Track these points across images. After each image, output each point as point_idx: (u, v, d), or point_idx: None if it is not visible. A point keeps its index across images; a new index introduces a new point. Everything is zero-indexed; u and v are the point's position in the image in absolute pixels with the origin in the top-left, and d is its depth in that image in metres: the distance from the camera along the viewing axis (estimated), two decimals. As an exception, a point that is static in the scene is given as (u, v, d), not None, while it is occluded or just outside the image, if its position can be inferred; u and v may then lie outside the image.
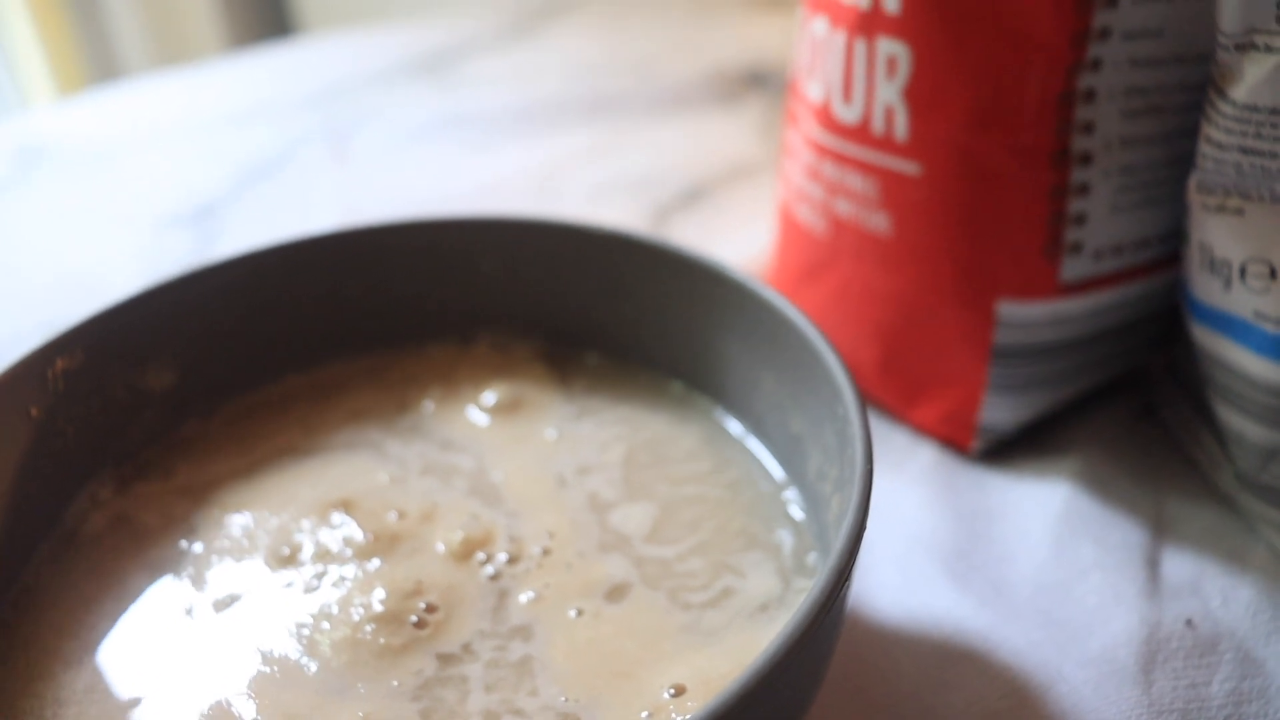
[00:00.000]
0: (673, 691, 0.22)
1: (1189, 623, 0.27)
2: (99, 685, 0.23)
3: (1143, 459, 0.32)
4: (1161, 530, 0.30)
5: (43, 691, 0.23)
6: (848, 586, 0.20)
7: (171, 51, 1.05)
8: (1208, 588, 0.28)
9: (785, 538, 0.25)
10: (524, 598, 0.24)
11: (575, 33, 0.63)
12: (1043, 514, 0.30)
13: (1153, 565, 0.29)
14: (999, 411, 0.32)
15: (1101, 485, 0.31)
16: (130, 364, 0.28)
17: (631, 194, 0.47)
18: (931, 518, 0.30)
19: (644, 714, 0.21)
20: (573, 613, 0.24)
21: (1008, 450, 0.32)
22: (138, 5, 1.04)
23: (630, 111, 0.54)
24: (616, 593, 0.24)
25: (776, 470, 0.27)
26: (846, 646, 0.27)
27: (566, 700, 0.22)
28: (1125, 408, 0.34)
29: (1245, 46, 0.26)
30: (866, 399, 0.34)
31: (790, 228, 0.35)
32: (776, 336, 0.26)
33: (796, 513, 0.26)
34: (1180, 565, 0.29)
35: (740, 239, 0.43)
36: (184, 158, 0.53)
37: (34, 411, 0.26)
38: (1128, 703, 0.25)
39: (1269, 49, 0.25)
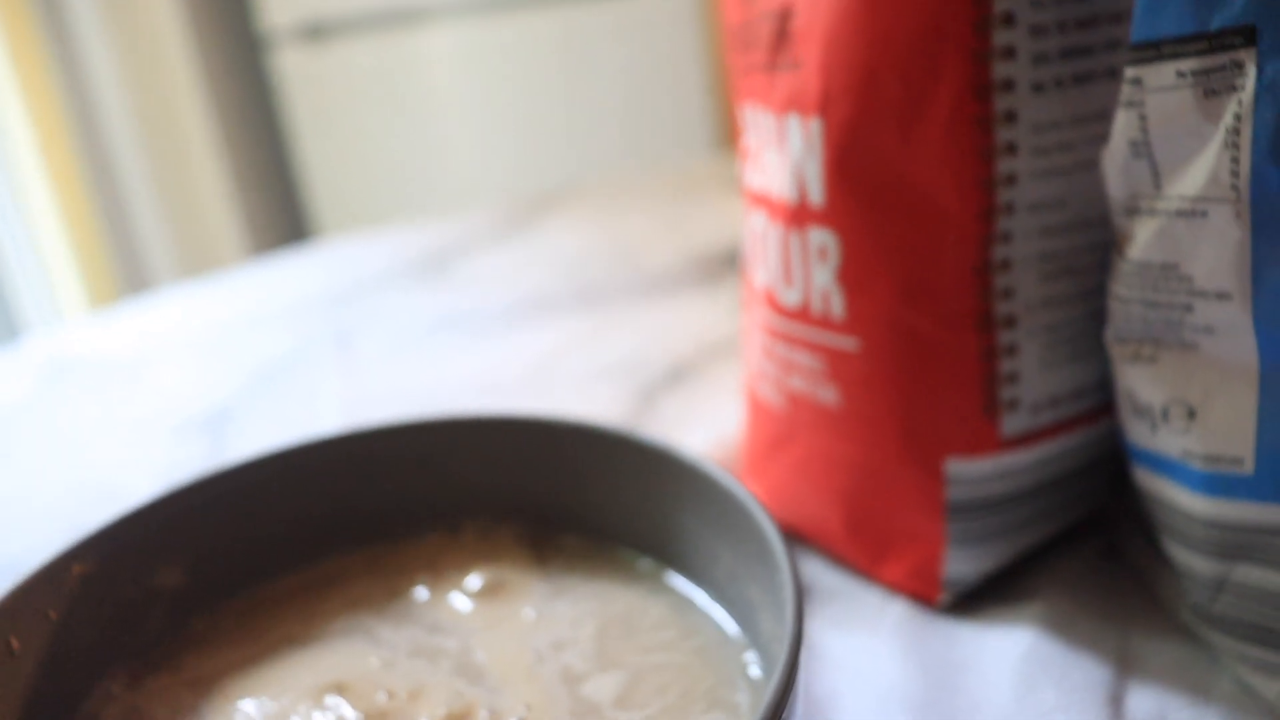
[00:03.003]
0: None
1: (1151, 760, 0.28)
2: None
3: (1107, 598, 0.33)
4: (1126, 667, 0.31)
5: None
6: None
7: (197, 258, 1.12)
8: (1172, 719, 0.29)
9: (743, 698, 0.27)
10: (500, 769, 0.26)
11: (565, 224, 0.67)
12: (1008, 661, 0.31)
13: (1116, 703, 0.30)
14: (961, 564, 0.33)
15: (1066, 627, 0.32)
16: (142, 567, 0.31)
17: (618, 378, 0.49)
18: (902, 672, 0.32)
19: None
20: (545, 781, 0.25)
21: (975, 599, 0.34)
22: (165, 217, 1.12)
23: (616, 298, 0.57)
24: (588, 760, 0.26)
25: (737, 634, 0.29)
26: (822, 802, 0.28)
27: None
28: (1088, 549, 0.35)
29: (1133, 211, 0.29)
30: (839, 559, 0.36)
31: (755, 405, 0.38)
32: (724, 511, 0.28)
33: (755, 672, 0.27)
34: (1144, 701, 0.29)
35: (720, 414, 0.45)
36: (201, 365, 0.57)
37: (52, 614, 0.28)
38: (1090, 843, 0.26)
39: (1152, 212, 0.28)
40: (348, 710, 0.28)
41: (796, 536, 0.37)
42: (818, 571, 0.36)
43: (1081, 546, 0.35)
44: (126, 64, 1.18)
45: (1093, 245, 0.31)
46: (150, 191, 1.15)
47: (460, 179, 1.49)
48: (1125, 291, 0.29)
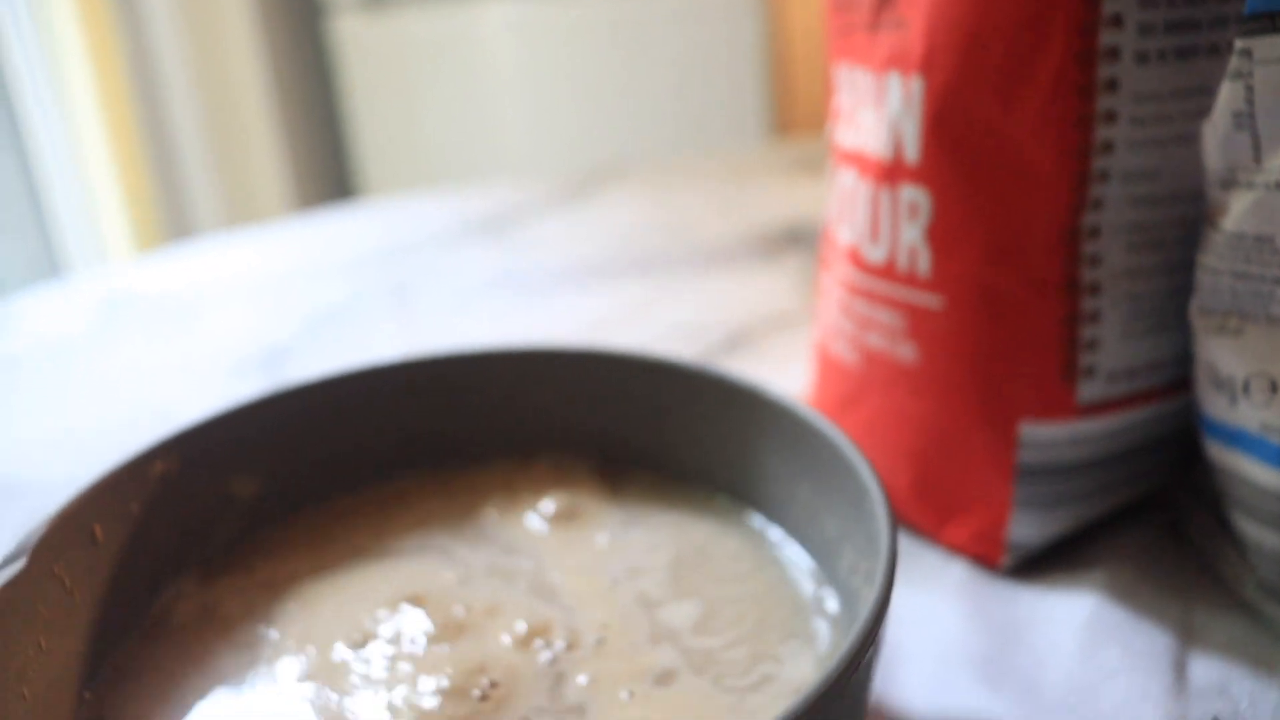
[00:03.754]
0: (720, 765, 0.23)
1: (1216, 719, 0.28)
2: (184, 755, 0.25)
3: (1169, 573, 0.33)
4: (1188, 638, 0.31)
5: (131, 761, 0.25)
6: (876, 647, 0.21)
7: (242, 210, 1.12)
8: (1235, 690, 0.29)
9: (821, 629, 0.27)
10: (580, 680, 0.26)
11: (622, 197, 0.68)
12: (1071, 623, 0.31)
13: (1179, 669, 0.30)
14: (1026, 528, 0.33)
15: (1129, 597, 0.32)
16: (219, 472, 0.31)
17: (676, 343, 0.50)
18: (963, 628, 0.32)
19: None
20: (625, 695, 0.25)
21: (1036, 566, 0.34)
22: (214, 169, 1.13)
23: (675, 268, 0.58)
24: (665, 678, 0.26)
25: (814, 571, 0.29)
26: (883, 745, 0.28)
27: (620, 770, 0.23)
28: (1151, 526, 0.35)
29: (1230, 184, 0.29)
30: (901, 522, 0.36)
31: (825, 363, 0.38)
32: (809, 448, 0.28)
33: (832, 607, 0.28)
34: (1207, 670, 0.30)
35: (781, 380, 0.45)
36: (256, 308, 0.57)
37: (134, 508, 0.29)
38: (1158, 794, 0.26)
39: (1250, 185, 0.28)
40: (424, 620, 0.28)
41: (856, 499, 0.38)
42: (876, 534, 0.36)
43: (1143, 523, 0.35)
44: (187, 17, 1.19)
45: (1182, 219, 0.32)
46: (201, 143, 1.16)
47: (509, 155, 1.50)
48: (1215, 263, 0.30)
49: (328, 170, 1.37)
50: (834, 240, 0.37)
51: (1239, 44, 0.28)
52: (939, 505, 0.35)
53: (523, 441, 0.34)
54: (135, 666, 0.27)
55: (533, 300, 0.55)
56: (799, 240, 0.60)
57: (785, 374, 0.46)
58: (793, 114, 1.29)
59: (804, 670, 0.26)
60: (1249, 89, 0.28)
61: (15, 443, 0.46)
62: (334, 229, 0.67)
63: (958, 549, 0.35)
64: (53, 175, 1.01)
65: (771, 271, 0.56)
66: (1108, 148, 0.30)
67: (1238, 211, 0.29)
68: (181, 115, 1.17)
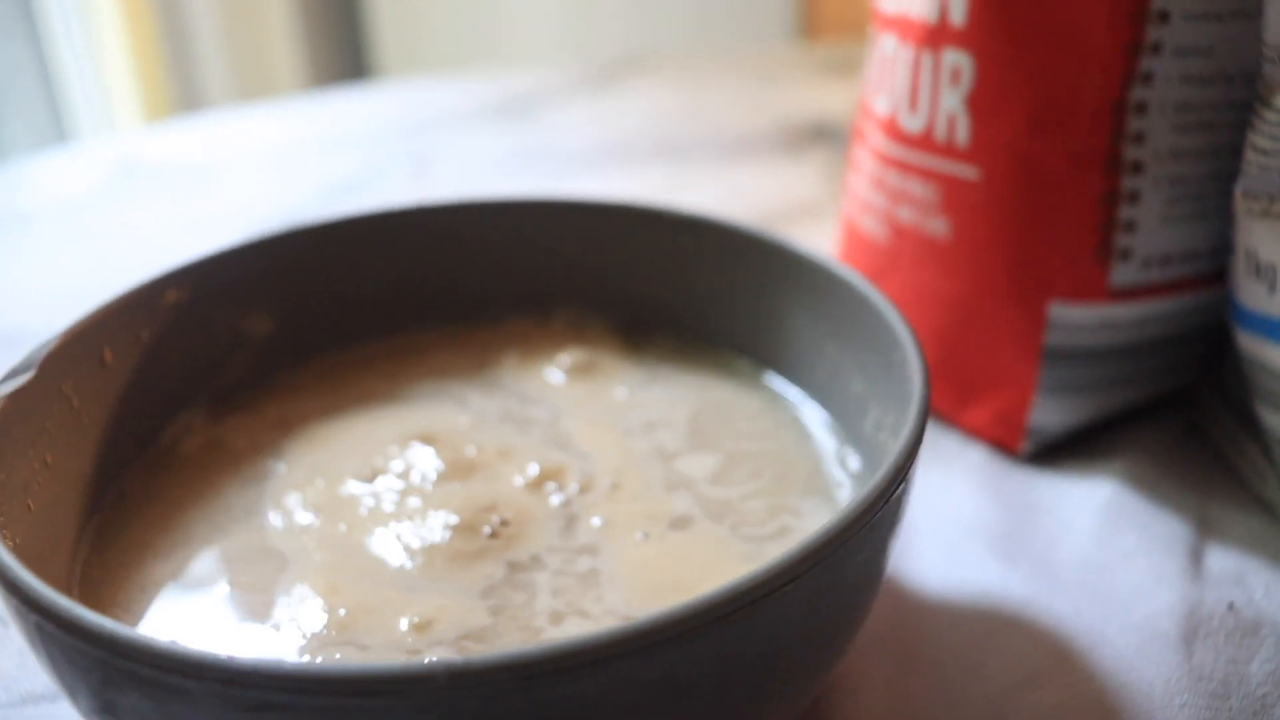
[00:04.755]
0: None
1: (1231, 606, 0.28)
2: (185, 574, 0.24)
3: (1188, 469, 0.33)
4: (1205, 529, 0.30)
5: (132, 577, 0.24)
6: (906, 486, 0.21)
7: (253, 87, 1.10)
8: (1251, 580, 0.29)
9: (844, 484, 0.26)
10: (593, 521, 0.25)
11: (645, 87, 0.66)
12: (1089, 508, 0.31)
13: (1196, 556, 0.29)
14: (1048, 414, 0.33)
15: (1147, 487, 0.32)
16: (233, 306, 0.30)
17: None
18: (979, 508, 0.31)
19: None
20: (639, 536, 0.25)
21: (1055, 454, 0.33)
22: (224, 38, 1.10)
23: (700, 156, 0.56)
24: (681, 523, 0.25)
25: (836, 430, 0.28)
26: (894, 614, 0.28)
27: (630, 606, 0.23)
28: (1171, 424, 0.35)
29: (1290, 58, 0.28)
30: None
31: (852, 239, 0.37)
32: (840, 303, 0.28)
33: (855, 464, 0.27)
34: (1223, 560, 0.29)
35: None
36: (270, 176, 0.56)
37: (144, 335, 0.28)
38: (1169, 667, 0.26)
39: (1312, 60, 0.27)
40: (435, 458, 0.27)
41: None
42: (892, 418, 0.36)
43: (1164, 421, 0.35)
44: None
45: (1232, 103, 0.30)
46: (214, 14, 1.13)
47: (529, 42, 1.46)
48: (1267, 143, 0.29)
49: (343, 48, 1.34)
50: (870, 111, 0.36)
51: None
52: (961, 386, 0.34)
53: (541, 297, 0.33)
54: (139, 493, 0.27)
55: (551, 182, 0.54)
56: (826, 136, 0.59)
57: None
58: (820, 19, 1.25)
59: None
60: (1318, -46, 0.27)
61: (24, 293, 0.45)
62: (349, 104, 0.66)
63: (977, 432, 0.34)
64: (62, 45, 0.99)
65: (797, 165, 0.55)
66: (1163, 17, 0.29)
67: (1295, 87, 0.28)
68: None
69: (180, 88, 1.10)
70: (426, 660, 0.19)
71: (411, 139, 0.60)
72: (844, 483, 0.26)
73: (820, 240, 0.46)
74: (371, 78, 1.32)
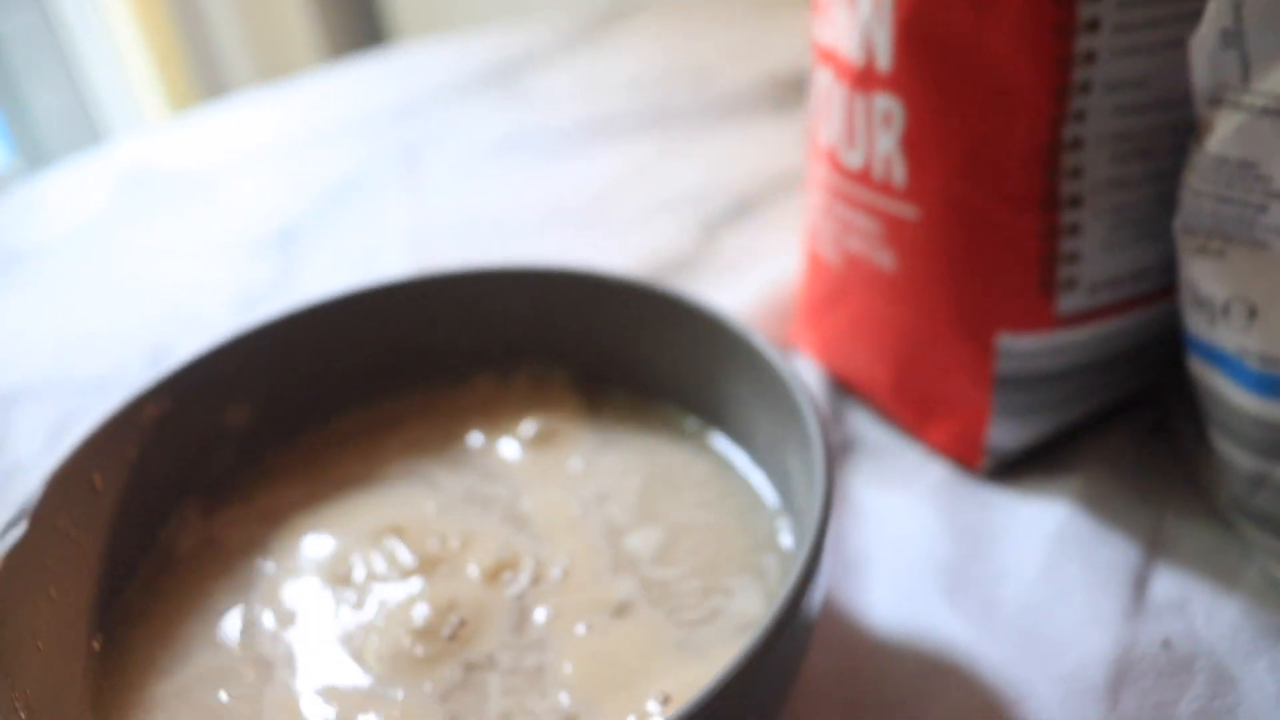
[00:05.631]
0: (661, 700, 0.25)
1: (1165, 643, 0.29)
2: (187, 691, 0.27)
3: (1147, 476, 0.33)
4: (1156, 548, 0.31)
5: (139, 700, 0.27)
6: (801, 610, 0.22)
7: (272, 62, 1.11)
8: (1193, 606, 0.30)
9: (773, 563, 0.28)
10: (541, 614, 0.28)
11: (637, 39, 0.65)
12: (1040, 534, 0.32)
13: (1140, 585, 0.30)
14: (1005, 433, 0.34)
15: (1102, 503, 0.33)
16: (212, 406, 0.32)
17: (682, 210, 0.49)
18: (933, 535, 0.33)
19: (631, 719, 0.25)
20: (582, 628, 0.27)
21: (1016, 467, 0.34)
22: (240, 19, 1.10)
23: (684, 122, 0.56)
24: (622, 610, 0.28)
25: (773, 500, 0.30)
26: (843, 655, 0.29)
27: (571, 704, 0.25)
28: (1135, 423, 0.35)
29: (1217, 102, 0.27)
30: (885, 416, 0.37)
31: (813, 259, 0.37)
32: (766, 382, 0.29)
33: (786, 540, 0.29)
34: (1169, 584, 0.30)
35: (781, 253, 0.45)
36: (269, 181, 0.58)
37: (130, 453, 0.30)
38: (1092, 718, 0.27)
39: (1236, 105, 0.27)
40: (404, 553, 0.30)
41: (846, 387, 0.38)
42: (864, 426, 0.37)
43: (1130, 420, 0.35)
44: None
45: (1171, 126, 0.30)
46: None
47: None
48: (1199, 184, 0.28)
49: (359, 14, 1.32)
50: (815, 139, 0.36)
51: (1229, -49, 0.25)
52: (919, 405, 0.35)
53: (503, 356, 0.35)
54: (140, 607, 0.29)
55: (540, 164, 0.54)
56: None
57: (787, 247, 0.45)
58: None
59: (753, 604, 0.27)
60: (1237, 6, 0.26)
61: (42, 342, 0.48)
62: (348, 84, 0.66)
63: (937, 448, 0.35)
64: (74, 19, 1.00)
65: (781, 125, 0.55)
66: (1090, 57, 0.28)
67: (1223, 133, 0.27)
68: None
69: (200, 68, 1.10)
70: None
71: (403, 123, 0.60)
72: (772, 562, 0.28)
73: (796, 220, 0.47)
74: (387, 40, 1.31)
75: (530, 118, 0.59)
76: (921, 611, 0.30)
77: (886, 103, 0.31)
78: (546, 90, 0.61)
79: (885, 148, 0.32)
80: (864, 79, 0.31)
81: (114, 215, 0.56)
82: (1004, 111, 0.29)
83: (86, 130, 1.05)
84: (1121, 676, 0.28)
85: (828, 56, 0.33)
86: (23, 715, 0.24)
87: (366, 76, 0.67)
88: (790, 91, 0.57)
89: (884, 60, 0.31)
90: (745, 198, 0.49)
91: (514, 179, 0.54)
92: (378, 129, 0.60)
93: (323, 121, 0.62)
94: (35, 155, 1.03)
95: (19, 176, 1.04)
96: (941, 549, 0.32)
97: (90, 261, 0.53)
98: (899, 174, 0.32)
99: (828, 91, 0.34)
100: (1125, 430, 0.35)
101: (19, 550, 0.26)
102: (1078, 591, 0.30)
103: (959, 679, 0.29)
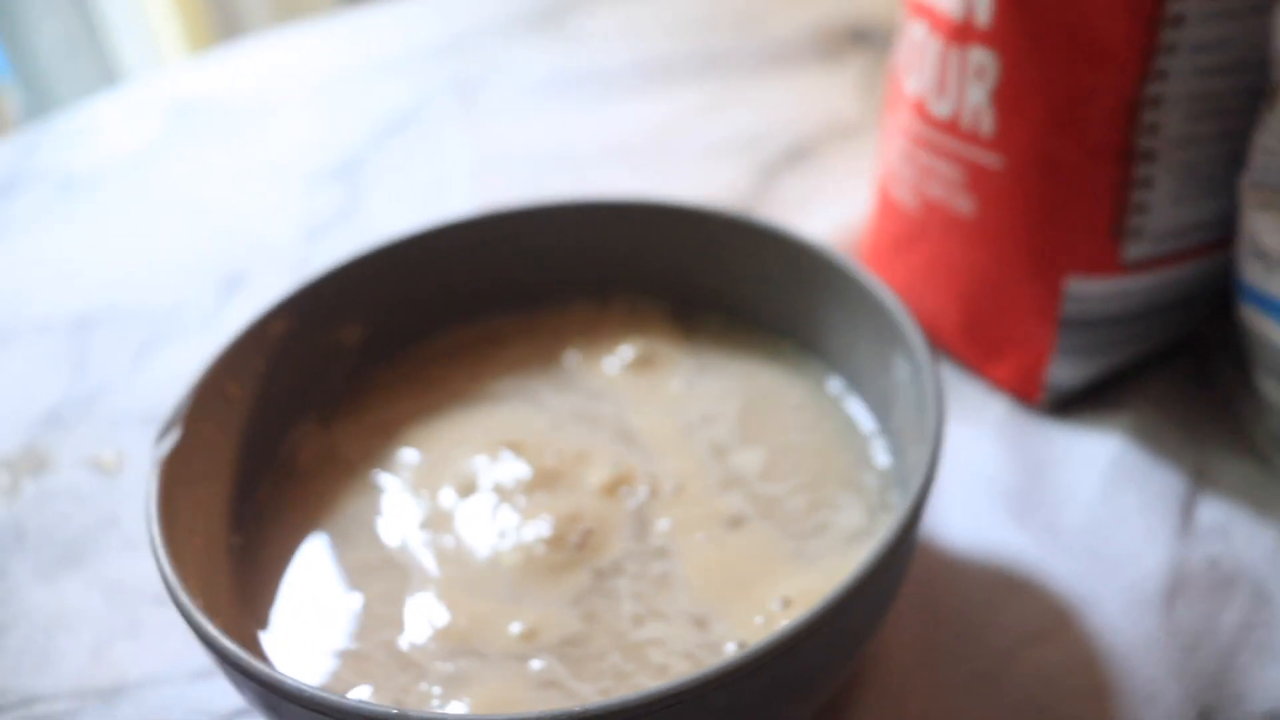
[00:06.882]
0: (782, 603, 0.28)
1: (1211, 562, 0.32)
2: (325, 589, 0.29)
3: (1191, 416, 0.36)
4: (1201, 479, 0.34)
5: (277, 595, 0.29)
6: (917, 526, 0.25)
7: (289, 3, 1.09)
8: (1235, 532, 0.33)
9: (872, 480, 0.31)
10: (661, 524, 0.30)
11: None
12: (1096, 464, 0.35)
13: (1187, 511, 0.33)
14: (1064, 371, 0.36)
15: (1151, 439, 0.36)
16: (328, 324, 0.34)
17: (739, 153, 0.51)
18: (999, 464, 0.35)
19: (759, 620, 0.27)
20: (701, 537, 0.29)
21: (1072, 404, 0.37)
22: None
23: (736, 69, 0.58)
24: (736, 522, 0.30)
25: (869, 422, 0.32)
26: (921, 570, 0.32)
27: (698, 607, 0.28)
28: (1181, 369, 0.38)
29: (1294, 68, 0.30)
30: (950, 355, 0.39)
31: (886, 202, 0.40)
32: (866, 309, 0.31)
33: (883, 458, 0.31)
34: (1213, 511, 0.33)
35: (842, 198, 0.47)
36: (324, 112, 0.58)
37: (260, 365, 0.32)
38: (1150, 625, 0.30)
39: (1314, 72, 0.29)
40: (522, 465, 0.32)
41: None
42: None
43: (1173, 366, 0.38)
44: None
45: (1247, 88, 0.32)
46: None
47: None
48: (1272, 143, 0.31)
49: None
50: (900, 87, 0.38)
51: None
52: (985, 344, 0.38)
53: (600, 285, 0.37)
54: (271, 512, 0.31)
55: (592, 105, 0.56)
56: (864, 40, 0.59)
57: (848, 192, 0.47)
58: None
59: (857, 517, 0.30)
60: (1325, -24, 0.28)
61: (110, 268, 0.48)
62: (390, 23, 0.67)
63: (1000, 384, 0.38)
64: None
65: (834, 75, 0.56)
66: (1178, 21, 0.31)
67: (1298, 95, 0.30)
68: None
69: (218, 7, 1.09)
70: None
71: (452, 60, 0.61)
72: (873, 479, 0.31)
73: (856, 168, 0.49)
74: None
75: (577, 59, 0.60)
76: (992, 530, 0.33)
77: (982, 56, 0.33)
78: (593, 31, 0.62)
79: (976, 99, 0.34)
80: (961, 33, 0.34)
81: (169, 143, 0.57)
82: (1093, 68, 0.32)
83: (98, 65, 1.04)
84: (1175, 589, 0.31)
85: (922, 10, 0.35)
86: (200, 603, 0.25)
87: (412, 14, 0.67)
88: (838, 43, 0.59)
89: (983, 16, 0.33)
90: (800, 144, 0.51)
91: (568, 118, 0.55)
92: (426, 66, 0.61)
93: (370, 58, 0.63)
94: (41, 91, 1.02)
95: (28, 114, 1.02)
96: (1006, 476, 0.35)
97: (149, 189, 0.53)
98: (987, 124, 0.34)
99: (921, 44, 0.35)
100: (1171, 373, 0.38)
101: (176, 452, 0.28)
102: (1133, 515, 0.33)
103: (1029, 590, 0.31)
